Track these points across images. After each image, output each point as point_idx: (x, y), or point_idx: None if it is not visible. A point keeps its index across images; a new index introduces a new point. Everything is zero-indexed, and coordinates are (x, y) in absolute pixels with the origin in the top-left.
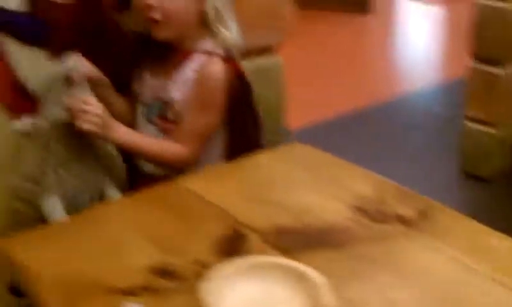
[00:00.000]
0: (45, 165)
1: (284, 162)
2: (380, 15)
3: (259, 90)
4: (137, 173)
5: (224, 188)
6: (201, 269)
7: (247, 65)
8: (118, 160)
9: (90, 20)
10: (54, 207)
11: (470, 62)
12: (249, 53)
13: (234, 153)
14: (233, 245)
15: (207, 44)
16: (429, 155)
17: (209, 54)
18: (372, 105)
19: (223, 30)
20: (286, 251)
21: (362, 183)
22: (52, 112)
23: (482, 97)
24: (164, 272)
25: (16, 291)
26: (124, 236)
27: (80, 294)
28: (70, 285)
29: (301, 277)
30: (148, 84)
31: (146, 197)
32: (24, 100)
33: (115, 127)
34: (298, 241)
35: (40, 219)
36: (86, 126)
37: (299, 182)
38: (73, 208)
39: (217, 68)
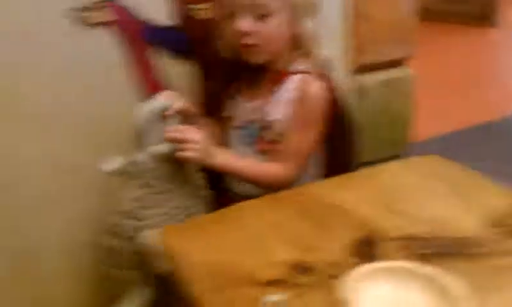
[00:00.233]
0: (147, 200)
1: (417, 172)
2: (505, 28)
3: (389, 101)
4: (226, 195)
5: (357, 195)
6: (336, 269)
7: (378, 77)
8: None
9: None
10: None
11: None
12: (379, 66)
13: (331, 171)
14: (366, 249)
15: (301, 63)
16: None
17: (305, 73)
18: (496, 119)
19: (316, 49)
20: (419, 259)
21: (495, 196)
22: (150, 147)
23: None
24: (302, 269)
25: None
26: (264, 234)
27: (227, 283)
28: (217, 274)
29: (437, 284)
30: (241, 108)
31: (282, 200)
32: None
33: (215, 153)
34: (431, 250)
35: (136, 253)
36: (187, 154)
37: (432, 192)
38: None
39: (316, 86)
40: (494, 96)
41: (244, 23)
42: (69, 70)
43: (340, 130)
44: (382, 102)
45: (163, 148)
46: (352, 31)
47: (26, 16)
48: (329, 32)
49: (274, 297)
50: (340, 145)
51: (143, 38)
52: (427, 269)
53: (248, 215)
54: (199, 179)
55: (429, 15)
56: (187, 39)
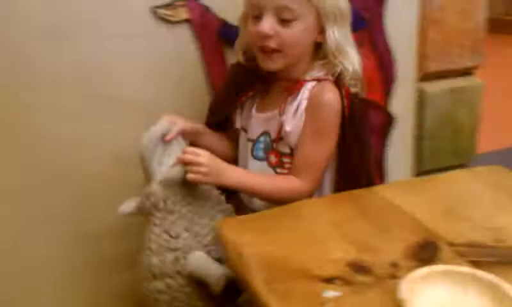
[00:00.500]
0: (174, 228)
1: (480, 181)
2: None
3: (455, 110)
4: (244, 208)
5: (419, 199)
6: (395, 270)
7: (444, 85)
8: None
9: None
10: (203, 262)
11: None
12: (447, 74)
13: (344, 180)
14: (426, 252)
15: (316, 71)
16: None
17: (320, 80)
18: None
19: (340, 60)
20: (478, 265)
21: None
22: (159, 174)
23: None
24: (360, 268)
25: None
26: (322, 231)
27: (281, 276)
28: (274, 267)
29: (495, 290)
30: (254, 119)
31: (341, 200)
32: None
33: (226, 171)
34: (491, 257)
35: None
36: (196, 177)
37: (495, 202)
38: (210, 255)
39: (331, 94)
40: None
41: (267, 25)
42: (148, 66)
43: (351, 139)
44: (447, 110)
45: (173, 172)
46: (422, 38)
47: (115, 14)
48: (401, 39)
49: (331, 292)
50: (352, 155)
51: (220, 36)
52: (486, 275)
53: (307, 213)
54: (218, 194)
55: (494, 26)
56: None
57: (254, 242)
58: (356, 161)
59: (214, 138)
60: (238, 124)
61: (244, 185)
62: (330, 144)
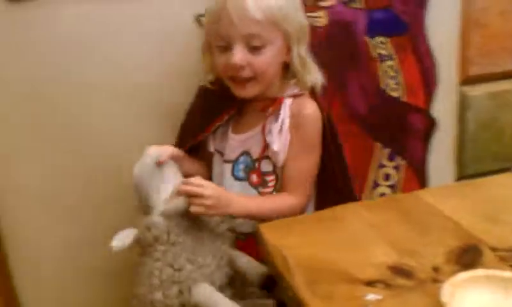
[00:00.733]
0: (178, 260)
1: None
2: None
3: (497, 114)
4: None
5: (461, 204)
6: (437, 275)
7: (486, 89)
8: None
9: (340, 41)
10: (209, 293)
11: None
12: (489, 77)
13: (328, 187)
14: (468, 257)
15: (291, 88)
16: None
17: (296, 96)
18: None
19: (305, 74)
20: None
21: None
22: (162, 204)
23: None
24: (401, 272)
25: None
26: (363, 235)
27: (322, 278)
28: (315, 269)
29: None
30: (231, 140)
31: (382, 204)
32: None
33: (231, 201)
34: None
35: None
36: (197, 209)
37: None
38: (213, 285)
39: (312, 108)
40: None
41: (238, 56)
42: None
43: (331, 146)
44: (489, 114)
45: (176, 204)
46: (464, 40)
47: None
48: (443, 42)
49: (372, 295)
50: (333, 161)
51: None
52: None
53: (348, 216)
54: (216, 219)
55: None
56: None
57: (296, 245)
58: (337, 167)
59: (193, 162)
60: (211, 147)
61: (250, 212)
62: (317, 156)
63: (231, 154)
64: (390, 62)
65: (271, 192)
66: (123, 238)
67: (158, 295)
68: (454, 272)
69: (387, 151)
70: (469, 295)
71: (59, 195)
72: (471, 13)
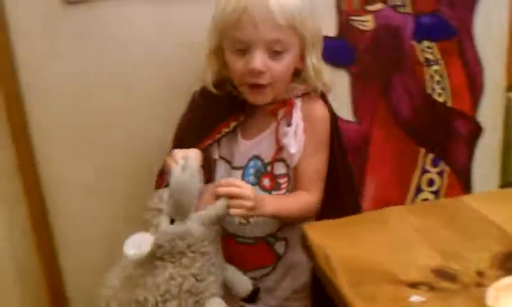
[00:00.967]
0: (203, 271)
1: None
2: None
3: None
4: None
5: (506, 210)
6: (481, 279)
7: None
8: None
9: (386, 45)
10: None
11: None
12: None
13: (332, 186)
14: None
15: (299, 89)
16: None
17: (304, 95)
18: None
19: (318, 81)
20: None
21: None
22: (199, 211)
23: None
24: (445, 275)
25: None
26: (408, 237)
27: (366, 279)
28: (359, 270)
29: None
30: (243, 146)
31: (427, 208)
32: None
33: (264, 201)
34: None
35: None
36: (238, 212)
37: None
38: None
39: (321, 108)
40: None
41: (259, 61)
42: None
43: (336, 148)
44: None
45: (216, 209)
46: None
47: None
48: (490, 47)
49: (415, 297)
50: (336, 162)
51: None
52: None
53: (392, 219)
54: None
55: None
56: (350, 49)
57: (340, 246)
58: (341, 170)
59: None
60: (216, 153)
61: (280, 211)
62: (327, 154)
63: (241, 160)
64: (436, 67)
65: (283, 194)
66: (139, 246)
67: (172, 305)
68: (497, 277)
69: (431, 156)
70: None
71: (105, 191)
72: None
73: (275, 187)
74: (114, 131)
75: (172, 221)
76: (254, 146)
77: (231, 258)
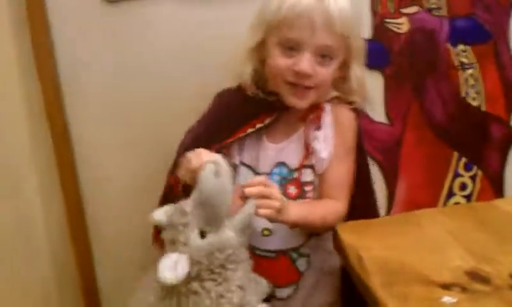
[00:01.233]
0: (244, 279)
1: None
2: None
3: None
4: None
5: None
6: None
7: None
8: None
9: (421, 48)
10: None
11: None
12: None
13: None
14: None
15: (331, 94)
16: None
17: (332, 100)
18: None
19: (358, 95)
20: None
21: None
22: (232, 217)
23: None
24: (478, 277)
25: None
26: (441, 239)
27: (398, 280)
28: (391, 270)
29: None
30: (269, 150)
31: (460, 211)
32: None
33: (289, 206)
34: None
35: None
36: (267, 213)
37: None
38: None
39: (349, 113)
40: None
41: (307, 64)
42: None
43: (360, 153)
44: None
45: (246, 211)
46: None
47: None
48: None
49: (448, 298)
50: (360, 166)
51: None
52: None
53: (426, 221)
54: None
55: None
56: (384, 51)
57: (373, 247)
58: (364, 171)
59: None
60: (237, 159)
61: (305, 218)
62: (354, 161)
63: (266, 166)
64: (471, 71)
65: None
66: (174, 267)
67: None
68: None
69: (464, 160)
70: None
71: (142, 188)
72: None
73: (301, 194)
74: (154, 130)
75: (201, 233)
76: (279, 151)
77: None
